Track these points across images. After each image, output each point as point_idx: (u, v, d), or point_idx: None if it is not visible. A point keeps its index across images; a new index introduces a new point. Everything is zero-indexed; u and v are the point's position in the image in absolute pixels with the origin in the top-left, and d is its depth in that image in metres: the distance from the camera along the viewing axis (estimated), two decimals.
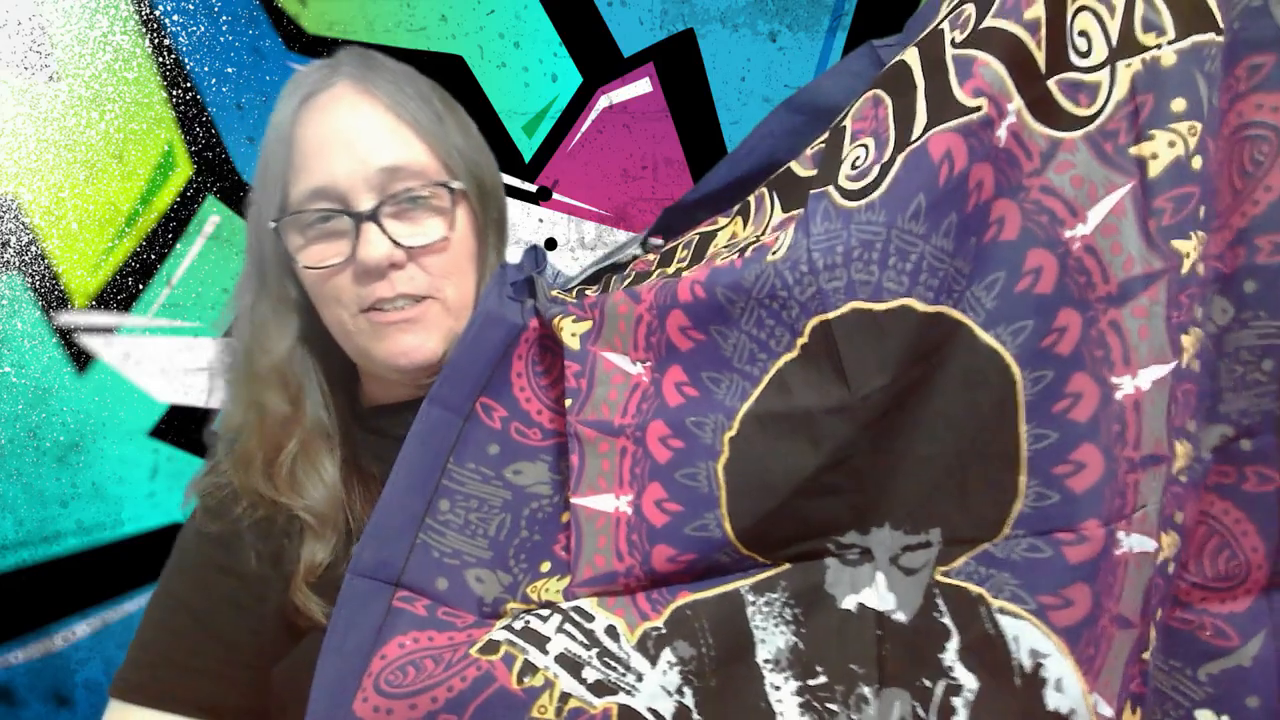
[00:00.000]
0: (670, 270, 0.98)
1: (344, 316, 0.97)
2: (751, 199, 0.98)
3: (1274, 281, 0.88)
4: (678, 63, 1.88)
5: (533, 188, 1.87)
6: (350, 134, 0.94)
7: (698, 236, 1.01)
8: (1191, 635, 0.94)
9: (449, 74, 1.78)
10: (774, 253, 0.88)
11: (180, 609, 0.99)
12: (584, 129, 1.87)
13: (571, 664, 0.87)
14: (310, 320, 1.02)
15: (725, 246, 0.96)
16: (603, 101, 1.86)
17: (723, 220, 1.01)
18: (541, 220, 1.88)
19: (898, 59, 0.91)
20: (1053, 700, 0.88)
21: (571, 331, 0.94)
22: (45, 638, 1.67)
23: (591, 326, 0.94)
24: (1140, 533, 0.88)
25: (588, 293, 1.01)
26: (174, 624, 0.98)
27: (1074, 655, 0.88)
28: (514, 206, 1.87)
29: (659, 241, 1.06)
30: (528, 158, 1.86)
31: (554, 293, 0.99)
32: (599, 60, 1.85)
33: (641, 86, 1.87)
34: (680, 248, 1.01)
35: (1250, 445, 0.91)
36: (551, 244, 1.89)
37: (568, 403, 0.94)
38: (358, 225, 0.93)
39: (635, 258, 1.06)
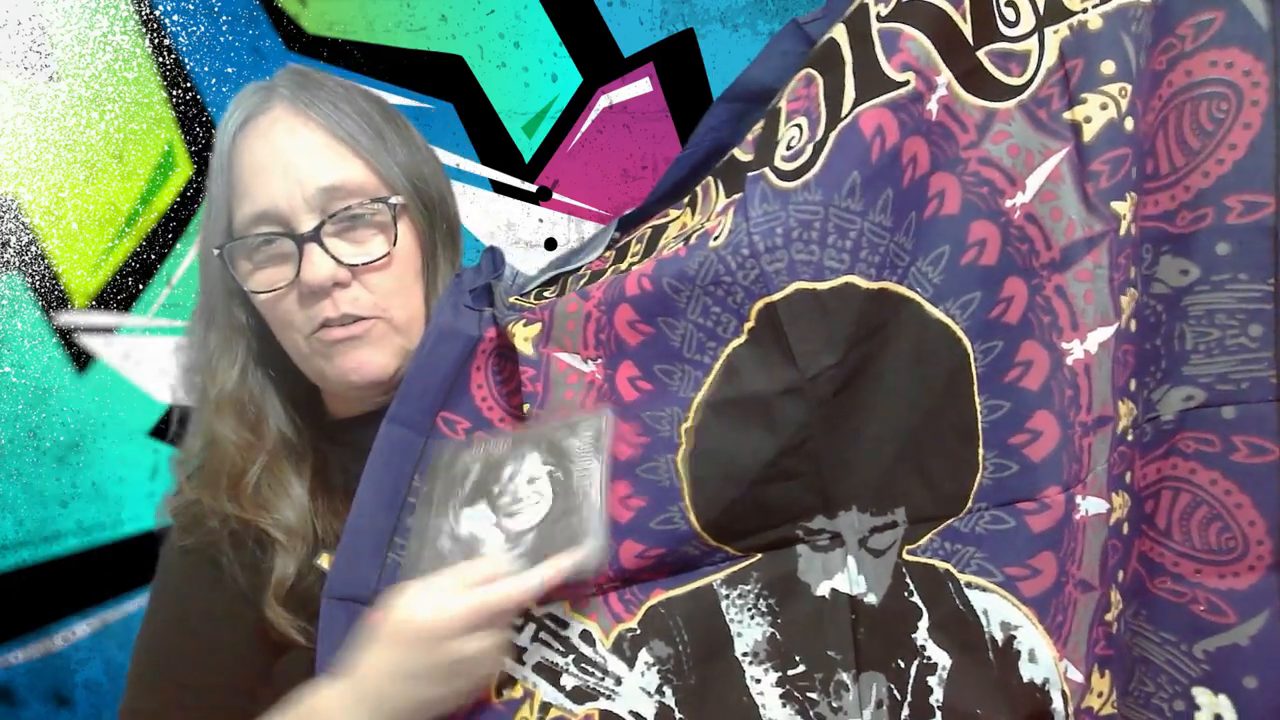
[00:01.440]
0: (624, 267, 0.98)
1: (298, 340, 0.97)
2: (699, 188, 0.98)
3: (1250, 242, 0.87)
4: (678, 63, 1.88)
5: (533, 188, 1.87)
6: (288, 156, 0.94)
7: (650, 230, 1.01)
8: (1184, 609, 0.92)
9: (449, 74, 1.79)
10: (715, 239, 0.87)
11: (178, 627, 0.99)
12: (584, 129, 1.87)
13: (549, 672, 0.88)
14: (265, 342, 1.02)
15: (675, 237, 0.96)
16: (603, 101, 1.86)
17: (674, 212, 1.01)
18: (541, 220, 1.88)
19: (827, 36, 0.91)
20: (1027, 671, 0.88)
21: (524, 336, 0.93)
22: (45, 638, 1.67)
23: (542, 329, 0.93)
24: (1094, 495, 0.89)
25: (546, 294, 1.01)
26: (175, 644, 0.98)
27: (1044, 625, 0.88)
28: (514, 206, 1.87)
29: (616, 235, 1.05)
30: (528, 158, 1.86)
31: (512, 300, 0.98)
32: (599, 60, 1.85)
33: (641, 86, 1.87)
34: (633, 243, 1.01)
35: (1234, 413, 0.89)
36: (551, 244, 1.89)
37: (525, 407, 0.93)
38: (300, 246, 0.93)
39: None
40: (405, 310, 0.99)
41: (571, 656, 0.88)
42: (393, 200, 0.97)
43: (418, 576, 0.82)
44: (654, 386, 0.92)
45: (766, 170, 0.88)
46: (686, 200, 1.01)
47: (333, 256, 0.93)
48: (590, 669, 0.88)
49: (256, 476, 0.98)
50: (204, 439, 1.02)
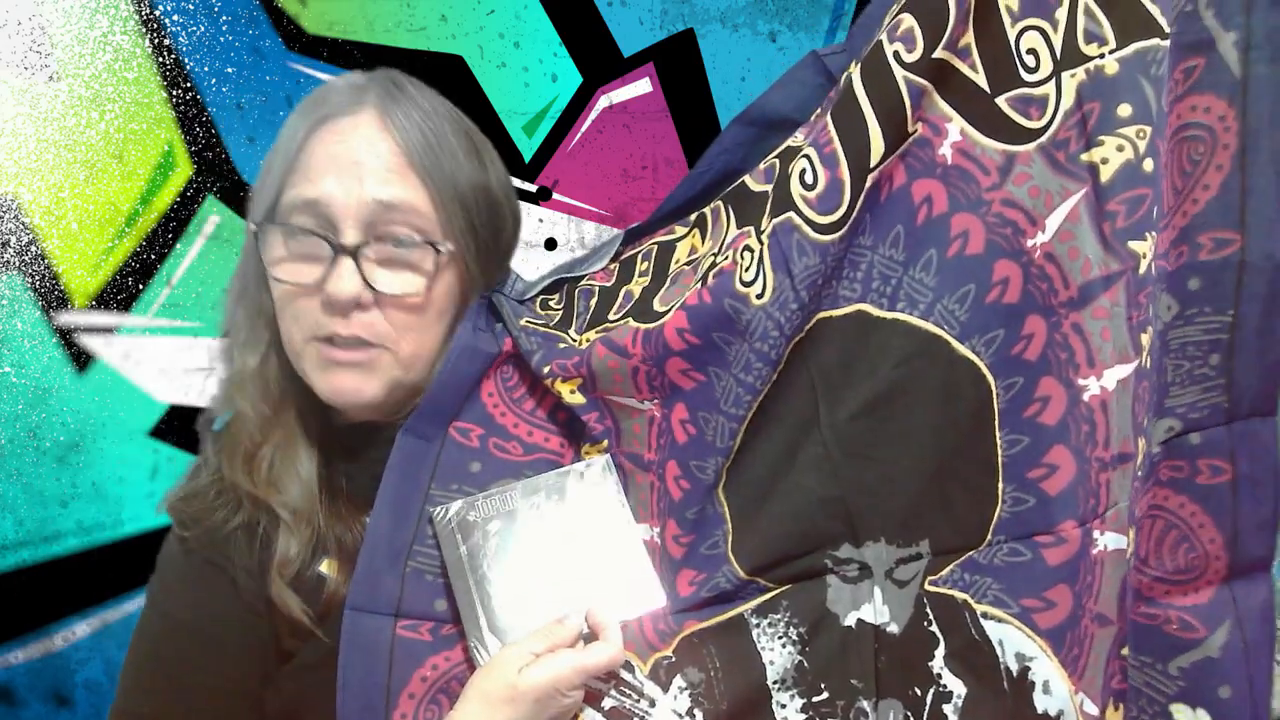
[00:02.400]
0: (632, 284, 1.00)
1: (296, 338, 0.96)
2: (708, 211, 1.00)
3: (1216, 278, 0.88)
4: (678, 63, 1.88)
5: (533, 188, 1.86)
6: (358, 159, 0.92)
7: (656, 247, 1.02)
8: (1158, 630, 0.93)
9: (449, 74, 1.78)
10: (759, 296, 0.91)
11: (180, 629, 0.98)
12: (584, 129, 1.86)
13: (593, 697, 0.91)
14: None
15: (687, 263, 0.98)
16: (603, 101, 1.86)
17: (680, 229, 1.03)
18: (541, 220, 1.88)
19: (845, 74, 0.92)
20: (1041, 702, 0.91)
21: (569, 389, 0.96)
22: (45, 638, 1.67)
23: (583, 381, 0.95)
24: (1114, 531, 0.91)
25: (551, 303, 1.03)
26: (177, 645, 0.97)
27: (1059, 657, 0.91)
28: None
29: (620, 249, 1.07)
30: (528, 158, 1.85)
31: (524, 322, 0.99)
32: (599, 60, 1.85)
33: (641, 87, 1.87)
34: (639, 259, 1.03)
35: (1199, 439, 0.90)
36: (551, 244, 1.89)
37: (604, 444, 0.97)
38: (336, 256, 0.92)
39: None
40: (414, 346, 0.97)
41: (612, 683, 0.92)
42: (443, 248, 0.95)
43: (486, 639, 0.90)
44: (696, 431, 0.95)
45: (795, 218, 0.90)
46: (694, 220, 1.02)
47: (363, 277, 0.92)
48: (628, 691, 0.92)
49: (270, 454, 0.98)
50: (229, 404, 1.02)
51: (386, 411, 0.98)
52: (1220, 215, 0.88)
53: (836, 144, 0.89)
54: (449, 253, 0.95)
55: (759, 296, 0.91)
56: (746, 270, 0.91)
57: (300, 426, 1.01)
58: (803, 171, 0.90)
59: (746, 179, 0.97)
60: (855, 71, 0.90)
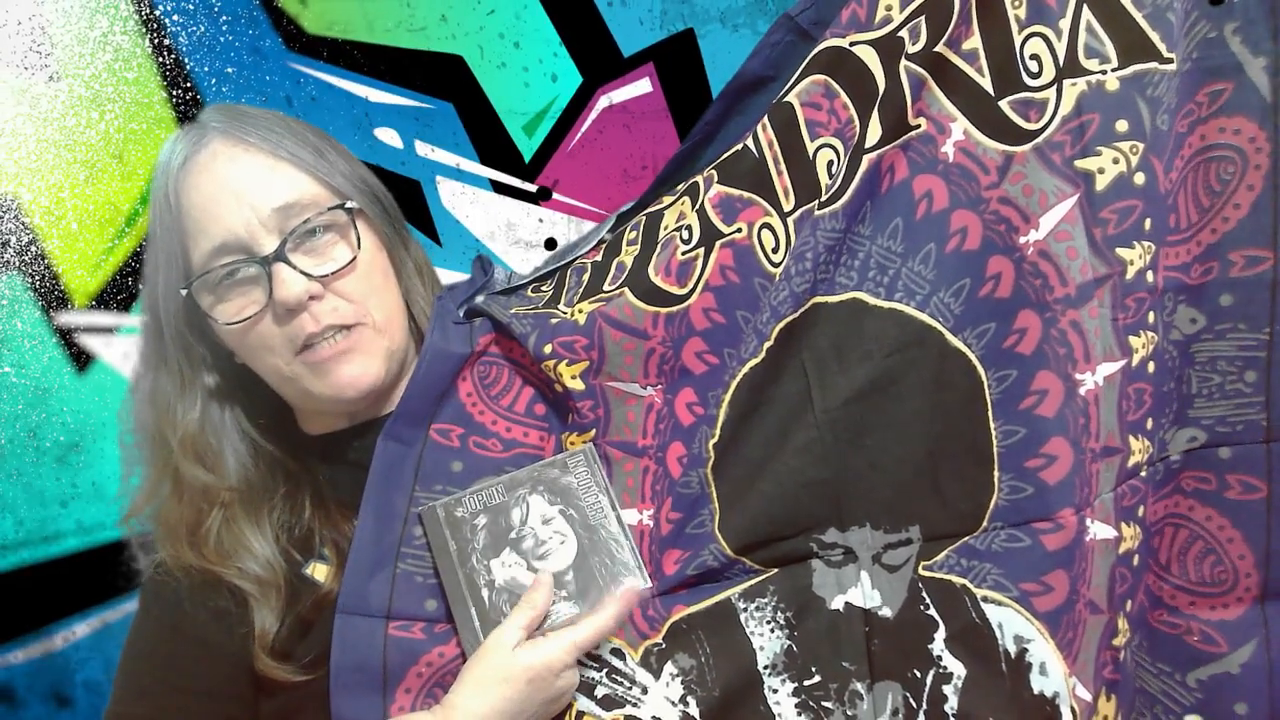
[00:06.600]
0: (622, 255, 1.03)
1: (279, 364, 0.97)
2: (700, 179, 1.02)
3: (1251, 295, 0.92)
4: (678, 63, 1.87)
5: (533, 188, 1.87)
6: (236, 184, 0.94)
7: (645, 218, 1.05)
8: (1179, 639, 0.97)
9: (449, 74, 1.79)
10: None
11: (172, 631, 0.99)
12: (584, 129, 1.86)
13: (586, 686, 0.94)
14: (225, 378, 1.03)
15: (675, 229, 1.00)
16: (602, 101, 1.86)
17: (668, 199, 1.06)
18: (541, 220, 1.88)
19: (849, 49, 0.95)
20: (1037, 683, 0.93)
21: (571, 374, 0.98)
22: (45, 638, 1.66)
23: (590, 365, 0.98)
24: (1100, 520, 0.94)
25: (543, 288, 1.06)
26: (169, 647, 0.99)
27: (1055, 639, 0.93)
28: (514, 206, 1.87)
29: (606, 236, 1.10)
30: (528, 158, 1.85)
31: (514, 309, 1.01)
32: (599, 60, 1.85)
33: (641, 87, 1.87)
34: (628, 229, 1.06)
35: (1230, 454, 0.94)
36: (551, 244, 1.88)
37: (590, 434, 1.00)
38: (267, 269, 0.93)
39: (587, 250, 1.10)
40: (383, 309, 1.00)
41: (605, 670, 0.94)
42: (349, 205, 0.98)
43: (477, 629, 0.92)
44: (704, 411, 0.98)
45: (815, 207, 0.95)
46: (684, 189, 1.05)
47: (301, 272, 0.94)
48: (620, 679, 0.94)
49: (215, 527, 0.98)
50: (159, 485, 1.02)
51: (385, 392, 1.00)
52: (1252, 233, 0.93)
53: (857, 126, 0.93)
54: (357, 208, 0.98)
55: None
56: (774, 251, 0.95)
57: (245, 487, 1.02)
58: (830, 163, 0.94)
59: (741, 147, 0.99)
60: (867, 53, 0.93)
